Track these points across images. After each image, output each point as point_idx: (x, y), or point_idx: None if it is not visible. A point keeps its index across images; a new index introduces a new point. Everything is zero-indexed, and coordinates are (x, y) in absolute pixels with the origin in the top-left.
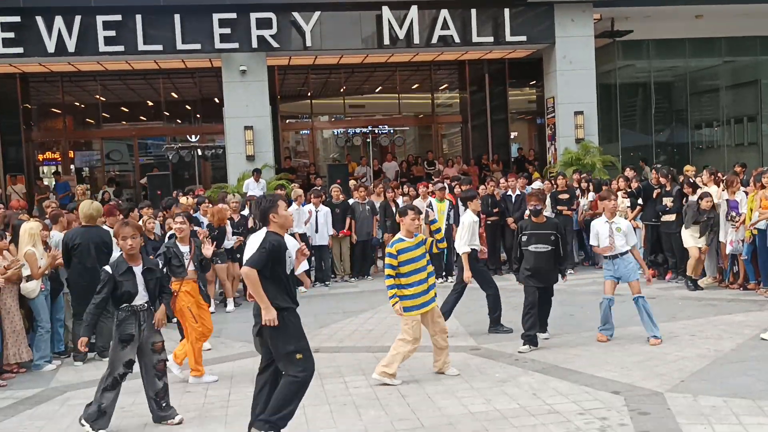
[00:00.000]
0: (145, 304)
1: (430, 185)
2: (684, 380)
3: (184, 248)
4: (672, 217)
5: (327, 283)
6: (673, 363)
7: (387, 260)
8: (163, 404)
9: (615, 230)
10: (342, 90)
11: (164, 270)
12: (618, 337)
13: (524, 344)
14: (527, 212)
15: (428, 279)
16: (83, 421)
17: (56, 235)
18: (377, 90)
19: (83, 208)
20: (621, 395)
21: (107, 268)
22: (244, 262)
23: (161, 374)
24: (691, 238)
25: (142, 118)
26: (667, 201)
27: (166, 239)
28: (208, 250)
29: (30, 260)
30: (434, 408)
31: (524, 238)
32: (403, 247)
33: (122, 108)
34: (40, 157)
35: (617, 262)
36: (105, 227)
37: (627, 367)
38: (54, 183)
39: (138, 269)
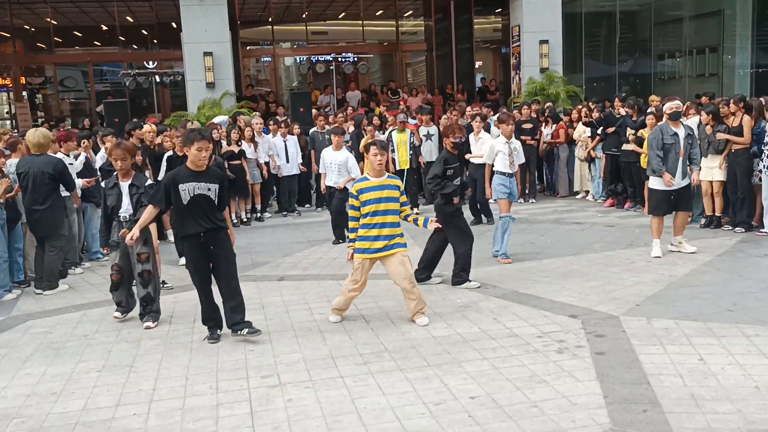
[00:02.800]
0: (128, 216)
1: (397, 114)
2: (639, 304)
3: None
4: (632, 146)
5: (298, 212)
6: (629, 288)
7: (350, 201)
8: (147, 309)
9: (513, 149)
10: (304, 16)
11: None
12: (576, 264)
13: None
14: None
15: (394, 227)
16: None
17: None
18: (340, 16)
19: (29, 137)
20: (578, 319)
21: (102, 183)
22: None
23: (145, 282)
24: (708, 171)
25: (96, 43)
26: (630, 131)
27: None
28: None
29: None
30: (397, 332)
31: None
32: (364, 187)
33: (75, 32)
34: None
35: (512, 181)
36: (59, 155)
37: (585, 292)
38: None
39: (125, 185)
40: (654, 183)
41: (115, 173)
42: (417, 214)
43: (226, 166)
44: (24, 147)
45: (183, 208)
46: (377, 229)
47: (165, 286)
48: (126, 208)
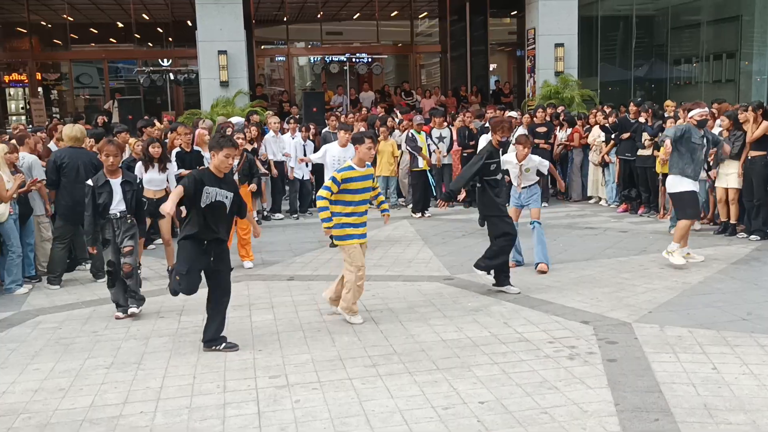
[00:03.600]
0: (118, 213)
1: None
2: (651, 311)
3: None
4: (648, 152)
5: (310, 212)
6: (642, 295)
7: (326, 182)
8: (131, 297)
9: (524, 170)
10: (319, 16)
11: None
12: (589, 269)
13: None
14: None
15: (365, 215)
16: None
17: (27, 157)
18: (355, 17)
19: (67, 131)
20: (590, 325)
21: (89, 181)
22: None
23: (127, 275)
24: (724, 178)
25: (111, 40)
26: (646, 136)
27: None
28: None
29: None
30: (407, 335)
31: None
32: (349, 176)
33: (91, 29)
34: (6, 78)
35: (522, 192)
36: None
37: (597, 298)
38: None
39: (116, 182)
40: (686, 184)
41: (101, 171)
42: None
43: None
44: (32, 141)
45: (198, 210)
46: (365, 216)
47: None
48: (116, 206)
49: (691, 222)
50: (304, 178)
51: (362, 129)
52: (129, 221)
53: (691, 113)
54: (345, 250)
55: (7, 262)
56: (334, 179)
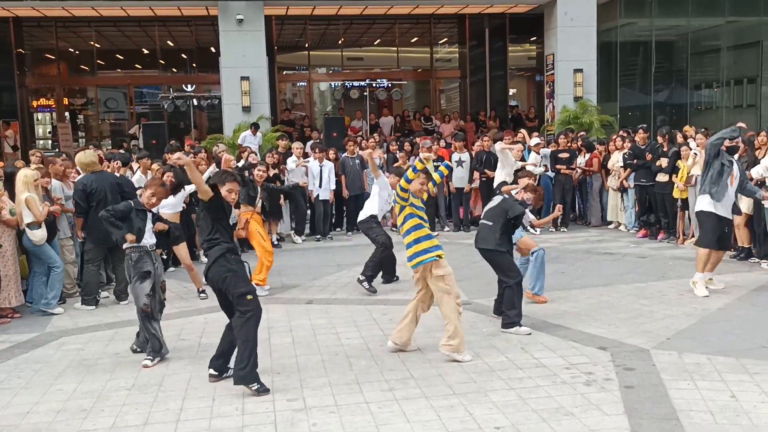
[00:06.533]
0: (149, 246)
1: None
2: (670, 338)
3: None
4: (666, 177)
5: (331, 236)
6: (660, 321)
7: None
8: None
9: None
10: (340, 42)
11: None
12: (607, 295)
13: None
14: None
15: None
16: (147, 356)
17: (54, 182)
18: (376, 43)
19: (80, 158)
20: (607, 351)
21: (131, 201)
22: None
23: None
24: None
25: (137, 66)
26: (663, 161)
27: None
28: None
29: (31, 205)
30: (424, 360)
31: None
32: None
33: (117, 55)
34: (34, 103)
35: None
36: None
37: (615, 324)
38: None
39: (150, 215)
40: (704, 203)
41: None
42: None
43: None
44: (58, 168)
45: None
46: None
47: (201, 295)
48: (149, 237)
49: (709, 251)
50: (325, 198)
51: (378, 154)
52: (160, 256)
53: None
54: (441, 275)
55: (51, 278)
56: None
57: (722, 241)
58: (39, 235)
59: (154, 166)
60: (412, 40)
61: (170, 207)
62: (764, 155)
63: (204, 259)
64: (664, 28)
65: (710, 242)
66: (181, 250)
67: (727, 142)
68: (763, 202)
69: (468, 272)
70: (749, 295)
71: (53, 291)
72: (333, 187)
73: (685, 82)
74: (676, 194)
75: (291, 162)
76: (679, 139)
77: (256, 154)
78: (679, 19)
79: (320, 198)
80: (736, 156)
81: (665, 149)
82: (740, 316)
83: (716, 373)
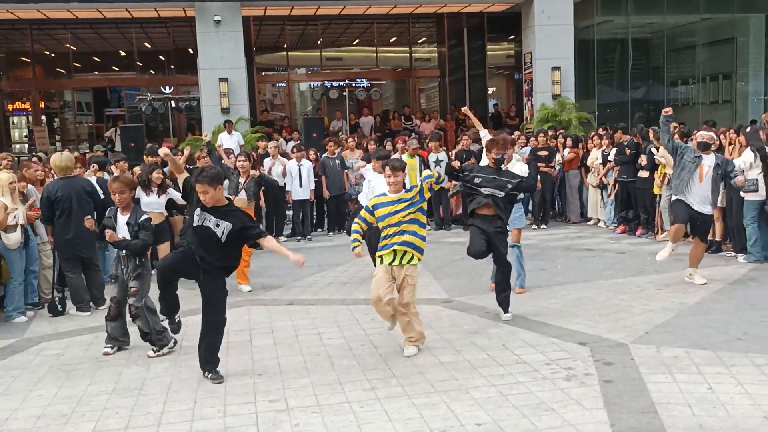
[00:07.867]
0: (123, 253)
1: (406, 140)
2: (648, 332)
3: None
4: (647, 174)
5: (310, 237)
6: (638, 316)
7: (361, 212)
8: (146, 339)
9: None
10: (319, 42)
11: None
12: (587, 291)
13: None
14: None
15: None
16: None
17: (30, 187)
18: (355, 43)
19: (55, 161)
20: (587, 346)
21: (108, 212)
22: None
23: (134, 317)
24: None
25: (114, 68)
26: (643, 158)
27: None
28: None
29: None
30: (405, 358)
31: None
32: (380, 202)
33: (94, 58)
34: (10, 107)
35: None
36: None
37: (594, 319)
38: None
39: (123, 218)
40: (680, 195)
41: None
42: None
43: None
44: (33, 173)
45: (192, 229)
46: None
47: None
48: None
49: (678, 226)
50: (305, 198)
51: (358, 155)
52: (136, 261)
53: (697, 134)
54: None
55: (9, 290)
56: (366, 207)
57: (695, 229)
58: (13, 239)
59: (136, 169)
60: (391, 40)
61: (153, 207)
62: (732, 153)
63: None
64: (640, 26)
65: (680, 219)
66: (163, 250)
67: (698, 138)
68: (741, 190)
69: (449, 270)
70: (726, 289)
71: (12, 303)
72: (312, 186)
73: (661, 79)
74: (656, 190)
75: (267, 162)
76: (651, 136)
77: (233, 152)
78: (655, 16)
79: (300, 198)
80: (710, 153)
81: (643, 146)
82: (717, 310)
83: (694, 366)
